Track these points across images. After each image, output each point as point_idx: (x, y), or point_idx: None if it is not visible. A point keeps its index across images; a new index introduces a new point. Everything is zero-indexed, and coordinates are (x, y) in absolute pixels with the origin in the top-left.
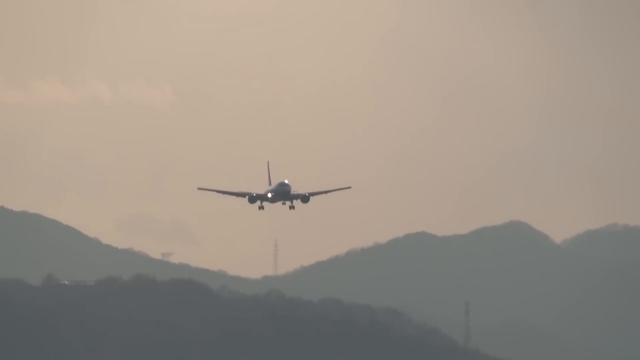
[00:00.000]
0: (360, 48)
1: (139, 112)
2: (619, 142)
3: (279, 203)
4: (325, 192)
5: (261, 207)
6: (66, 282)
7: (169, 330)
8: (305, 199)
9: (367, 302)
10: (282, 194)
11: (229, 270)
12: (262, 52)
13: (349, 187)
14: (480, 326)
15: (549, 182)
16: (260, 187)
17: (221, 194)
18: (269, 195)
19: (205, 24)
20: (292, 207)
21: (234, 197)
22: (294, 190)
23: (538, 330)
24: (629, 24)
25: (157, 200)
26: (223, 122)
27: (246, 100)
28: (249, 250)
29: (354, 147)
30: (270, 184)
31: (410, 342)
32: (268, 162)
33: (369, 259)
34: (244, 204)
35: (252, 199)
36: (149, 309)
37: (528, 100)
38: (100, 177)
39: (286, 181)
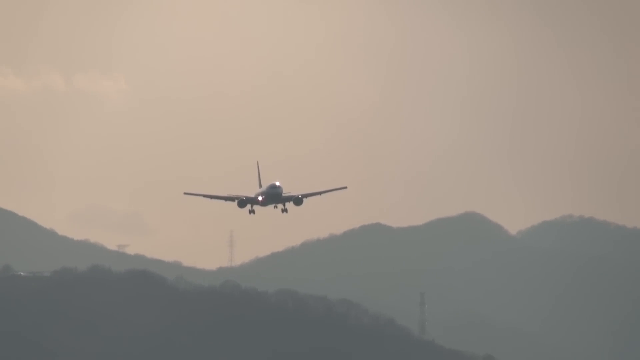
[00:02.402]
0: (308, 40)
1: (92, 103)
2: (575, 134)
3: (271, 206)
4: (320, 193)
5: (252, 212)
6: (22, 273)
7: (125, 321)
8: (298, 201)
9: (322, 293)
10: (274, 196)
11: (185, 261)
12: (220, 42)
13: (345, 187)
14: (435, 317)
15: (504, 173)
16: (200, 173)
17: (209, 199)
18: (260, 198)
19: (162, 13)
20: (284, 211)
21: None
22: (286, 191)
23: (493, 321)
24: (587, 20)
25: (112, 191)
26: (177, 112)
27: (200, 92)
28: (204, 241)
29: (311, 139)
30: (260, 185)
31: (366, 332)
32: (258, 162)
33: (324, 250)
34: (199, 198)
35: (242, 203)
36: (104, 299)
37: (483, 92)
38: (56, 168)
39: (277, 183)
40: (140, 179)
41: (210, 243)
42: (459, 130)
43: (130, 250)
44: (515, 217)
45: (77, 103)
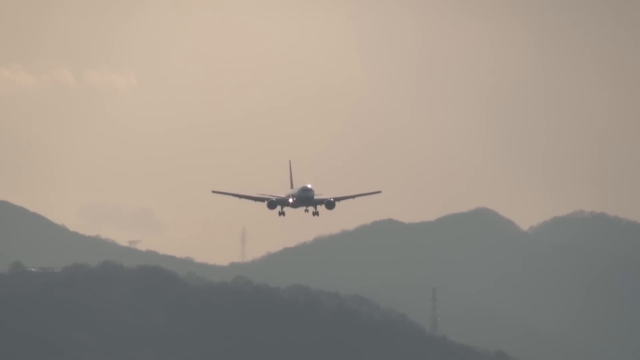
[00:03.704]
0: (325, 45)
1: (103, 98)
2: (587, 129)
3: (301, 209)
4: (353, 196)
5: (282, 213)
6: (33, 269)
7: (136, 317)
8: (330, 204)
9: (334, 289)
10: (305, 199)
11: (196, 257)
12: (228, 38)
13: (379, 192)
14: (447, 313)
15: (515, 169)
16: (211, 169)
17: (237, 198)
18: (291, 200)
19: (174, 8)
20: (315, 214)
21: (241, 197)
22: (317, 193)
23: (505, 316)
24: (588, 18)
25: (124, 187)
26: (187, 108)
27: (209, 88)
28: (216, 237)
29: (323, 136)
30: (292, 186)
31: (378, 328)
32: (290, 162)
33: (336, 246)
34: (210, 193)
35: (272, 204)
36: (116, 296)
37: (497, 89)
38: (67, 163)
39: (309, 185)
40: (152, 175)
41: (222, 239)
42: (471, 126)
43: (142, 247)
44: (526, 213)
45: (88, 99)
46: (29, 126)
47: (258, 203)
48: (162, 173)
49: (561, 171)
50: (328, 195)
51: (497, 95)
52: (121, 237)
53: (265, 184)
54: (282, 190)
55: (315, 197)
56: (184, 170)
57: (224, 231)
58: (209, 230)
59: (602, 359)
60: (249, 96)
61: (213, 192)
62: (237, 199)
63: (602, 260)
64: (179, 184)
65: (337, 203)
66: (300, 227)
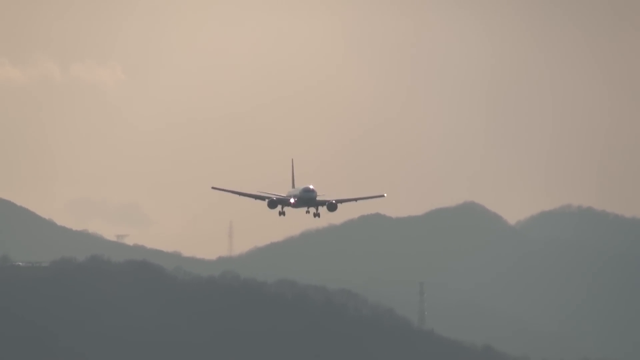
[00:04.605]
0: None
1: (90, 92)
2: (573, 123)
3: (302, 210)
4: (355, 199)
5: (282, 213)
6: (21, 264)
7: (124, 312)
8: (332, 207)
9: (321, 283)
10: (307, 200)
11: (184, 251)
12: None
13: (383, 196)
14: (434, 307)
15: (503, 163)
16: (200, 164)
17: (237, 195)
18: (292, 200)
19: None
20: (317, 215)
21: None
22: (319, 194)
23: (493, 311)
24: (567, 10)
25: (111, 181)
26: (173, 101)
27: (197, 79)
28: (204, 231)
29: (311, 130)
30: (293, 185)
31: (365, 323)
32: (292, 160)
33: (323, 240)
34: (200, 187)
35: (273, 203)
36: (103, 290)
37: (483, 83)
38: (55, 157)
39: (311, 186)
40: (140, 169)
41: (210, 233)
42: (458, 120)
43: (130, 241)
44: (514, 207)
45: (75, 92)
46: (15, 120)
47: (250, 200)
48: (150, 167)
49: (549, 165)
50: (330, 196)
51: (484, 90)
52: (109, 232)
53: (257, 181)
54: (265, 187)
55: (317, 199)
56: (172, 164)
57: (211, 225)
58: (197, 225)
59: (590, 353)
60: (238, 91)
61: (213, 188)
62: (232, 195)
63: (590, 254)
64: (167, 178)
65: (338, 205)
66: (288, 222)
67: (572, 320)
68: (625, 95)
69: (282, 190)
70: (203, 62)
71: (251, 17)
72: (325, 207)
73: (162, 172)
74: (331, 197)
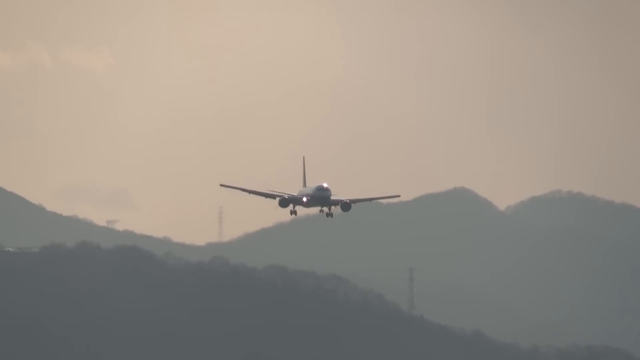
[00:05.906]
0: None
1: (80, 77)
2: (563, 110)
3: (315, 209)
4: (370, 199)
5: (293, 212)
6: (11, 249)
7: (114, 296)
8: (346, 206)
9: (311, 269)
10: (321, 199)
11: (174, 237)
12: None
13: (398, 196)
14: (424, 293)
15: (493, 148)
16: (188, 150)
17: (247, 193)
18: (305, 199)
19: None
20: (329, 215)
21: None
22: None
23: (482, 296)
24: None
25: (101, 167)
26: (163, 87)
27: (184, 66)
28: (193, 217)
29: (303, 115)
30: (305, 184)
31: (355, 308)
32: (304, 158)
33: (313, 226)
34: (186, 173)
35: (284, 202)
36: (93, 275)
37: (475, 71)
38: (45, 143)
39: (325, 185)
40: (130, 155)
41: (200, 219)
42: (448, 106)
43: (120, 226)
44: (504, 193)
45: (65, 78)
46: (5, 105)
47: (252, 196)
48: (140, 153)
49: (539, 151)
50: (343, 195)
51: (475, 77)
52: (99, 217)
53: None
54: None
55: (331, 198)
56: (162, 149)
57: (201, 211)
58: (187, 210)
59: (579, 338)
60: (235, 86)
61: (221, 185)
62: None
63: (580, 239)
64: (157, 164)
65: (352, 205)
66: (278, 208)
67: (562, 306)
68: (616, 81)
69: (291, 189)
70: (192, 49)
71: (255, 10)
72: (339, 207)
73: (152, 157)
74: (344, 196)
